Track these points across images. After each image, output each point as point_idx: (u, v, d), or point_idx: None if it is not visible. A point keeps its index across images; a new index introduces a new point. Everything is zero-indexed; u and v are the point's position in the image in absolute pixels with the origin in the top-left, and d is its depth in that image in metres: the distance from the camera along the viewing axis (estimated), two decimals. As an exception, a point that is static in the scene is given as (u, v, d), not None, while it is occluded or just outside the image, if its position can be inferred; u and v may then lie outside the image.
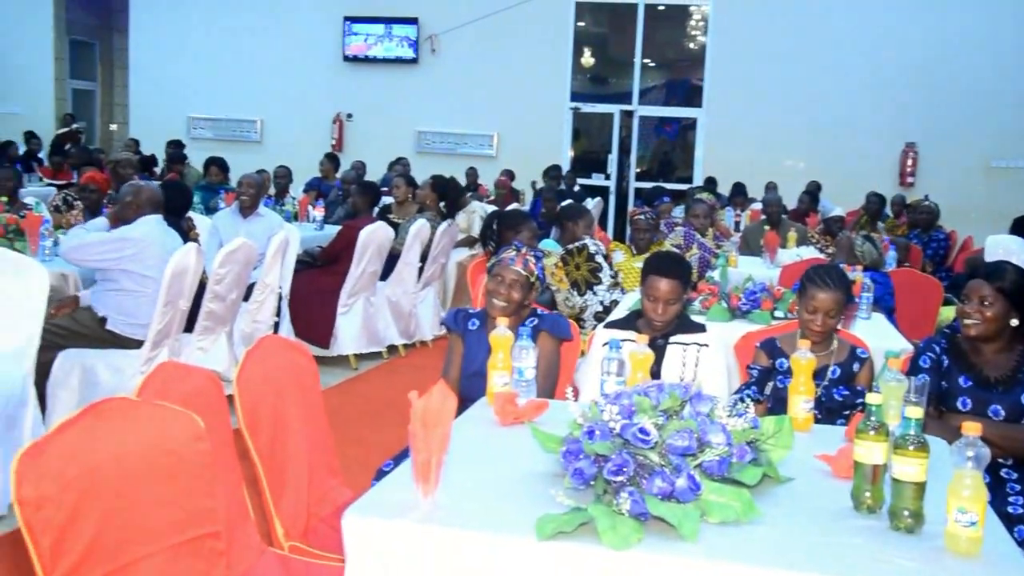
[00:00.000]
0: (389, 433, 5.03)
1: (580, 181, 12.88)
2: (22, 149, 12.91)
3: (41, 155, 12.93)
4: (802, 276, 3.33)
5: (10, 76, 15.80)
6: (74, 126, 14.65)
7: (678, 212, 8.81)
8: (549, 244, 5.39)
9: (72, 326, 4.56)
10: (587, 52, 14.19)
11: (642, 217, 5.78)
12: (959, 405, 3.03)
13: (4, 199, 6.32)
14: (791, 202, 10.10)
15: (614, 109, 13.92)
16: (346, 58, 14.44)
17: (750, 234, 7.97)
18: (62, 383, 4.43)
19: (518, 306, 3.28)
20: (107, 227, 5.60)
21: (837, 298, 3.20)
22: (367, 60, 14.41)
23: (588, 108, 13.99)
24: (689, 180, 13.40)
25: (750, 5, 13.18)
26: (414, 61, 14.19)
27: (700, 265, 5.99)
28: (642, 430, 2.00)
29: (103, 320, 4.59)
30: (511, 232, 4.90)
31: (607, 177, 13.94)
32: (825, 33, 12.96)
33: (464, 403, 2.91)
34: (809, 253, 6.98)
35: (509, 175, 11.82)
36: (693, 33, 13.91)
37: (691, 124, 13.86)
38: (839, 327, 3.35)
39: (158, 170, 11.71)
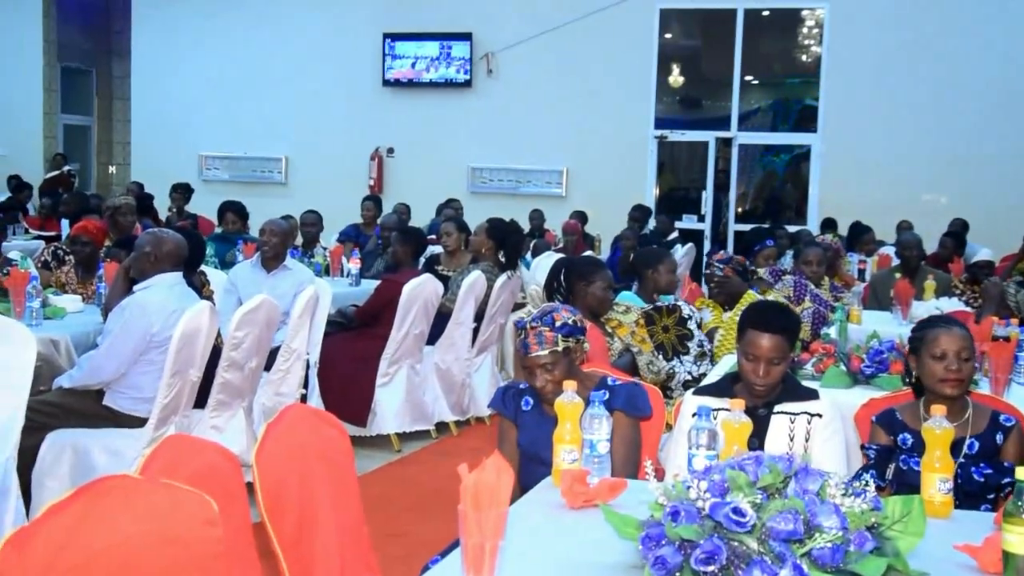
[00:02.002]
0: (437, 526, 5.05)
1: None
2: (4, 196, 13.37)
3: (30, 205, 13.38)
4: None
5: (-5, 112, 16.46)
6: (66, 168, 15.15)
7: (787, 259, 8.79)
8: (628, 297, 5.43)
9: (63, 401, 4.70)
10: (675, 69, 14.33)
11: (711, 270, 5.84)
12: None
13: (-15, 254, 6.57)
14: (930, 245, 10.01)
15: (709, 137, 14.00)
16: (386, 82, 14.78)
17: (878, 283, 7.92)
18: (50, 470, 4.55)
19: (570, 375, 3.30)
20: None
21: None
22: (411, 84, 14.72)
23: (677, 136, 14.08)
24: (802, 220, 13.37)
25: (876, 8, 13.21)
26: (467, 84, 14.46)
27: (814, 320, 5.97)
28: (737, 510, 2.02)
29: (100, 394, 4.74)
30: (581, 283, 4.95)
31: (700, 218, 13.96)
32: (970, 42, 12.90)
33: (524, 494, 2.94)
34: (951, 305, 6.90)
35: (580, 218, 11.92)
36: (806, 43, 13.97)
37: (804, 153, 13.85)
38: (973, 389, 3.33)
39: (166, 216, 12.04)
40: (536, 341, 3.31)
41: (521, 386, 3.50)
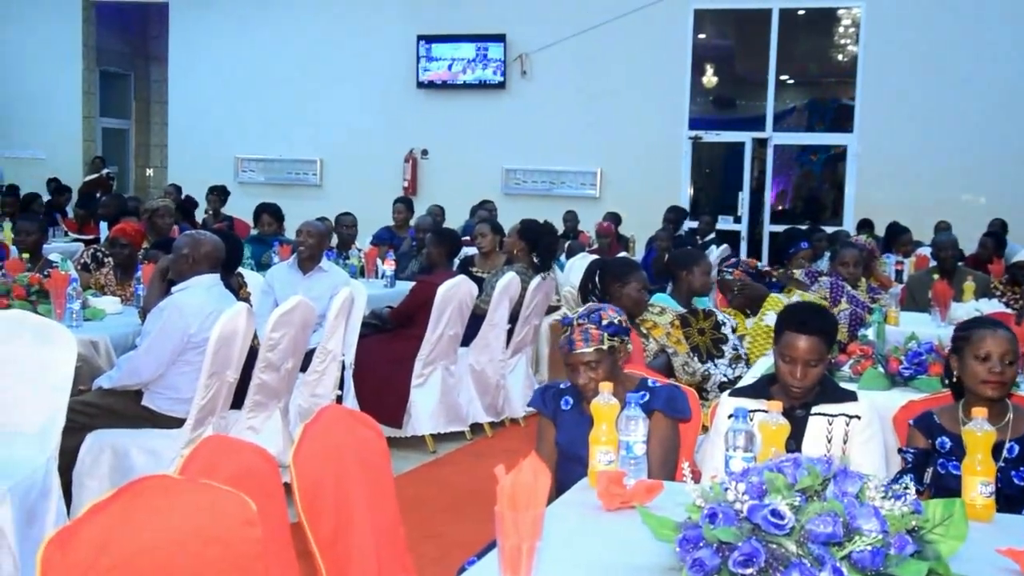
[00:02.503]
0: (472, 528, 5.05)
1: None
2: (45, 198, 13.51)
3: (69, 208, 13.53)
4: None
5: (34, 115, 16.65)
6: (104, 171, 15.32)
7: (824, 261, 8.74)
8: (662, 299, 5.42)
9: (102, 402, 4.76)
10: (709, 69, 14.29)
11: (722, 276, 5.81)
12: None
13: (26, 256, 6.65)
14: (969, 246, 9.92)
15: (744, 137, 13.95)
16: (420, 84, 14.83)
17: (915, 285, 7.86)
18: (90, 470, 4.61)
19: (611, 376, 3.31)
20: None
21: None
22: (445, 86, 14.76)
23: (712, 136, 14.04)
24: (838, 221, 13.29)
25: (913, 6, 13.10)
26: (501, 86, 14.48)
27: (851, 322, 5.93)
28: (775, 512, 2.02)
29: (138, 395, 4.79)
30: (616, 284, 4.95)
31: (736, 220, 13.91)
32: (1009, 39, 12.78)
33: (561, 494, 2.95)
34: (990, 307, 6.83)
35: (614, 219, 11.90)
36: (842, 42, 13.89)
37: (840, 154, 13.77)
38: (1014, 391, 3.30)
39: (202, 218, 12.15)
40: (582, 338, 3.32)
41: (561, 385, 3.52)
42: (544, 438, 3.49)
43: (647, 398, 3.30)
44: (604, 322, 3.36)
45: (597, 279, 5.13)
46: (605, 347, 3.31)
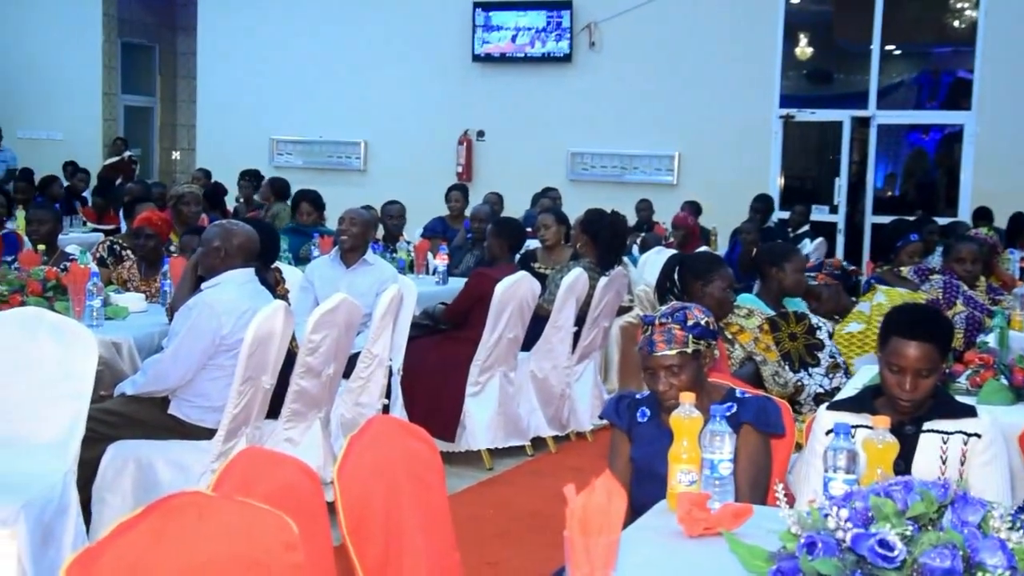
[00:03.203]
0: (533, 555, 5.08)
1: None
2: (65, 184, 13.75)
3: (87, 193, 13.75)
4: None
5: (50, 93, 16.93)
6: (126, 154, 15.57)
7: (936, 257, 8.63)
8: (749, 300, 5.39)
9: (125, 410, 4.81)
10: (803, 39, 14.17)
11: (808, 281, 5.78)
12: None
13: (41, 248, 6.77)
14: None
15: (843, 116, 13.81)
16: (476, 58, 14.86)
17: (1043, 284, 7.75)
18: (112, 485, 4.66)
19: (695, 384, 3.32)
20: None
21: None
22: (504, 59, 14.78)
23: (806, 115, 13.92)
24: (952, 211, 13.12)
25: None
26: (567, 59, 14.47)
27: (968, 327, 5.86)
28: (883, 543, 2.00)
29: (165, 402, 4.85)
30: (698, 283, 4.93)
31: (833, 209, 13.79)
32: None
33: (636, 516, 2.95)
34: None
35: (693, 209, 11.85)
36: (958, 6, 13.69)
37: (955, 134, 13.59)
38: None
39: (232, 206, 12.28)
40: (664, 339, 3.32)
41: (637, 395, 3.52)
42: (618, 453, 3.49)
43: (734, 410, 3.30)
44: (689, 323, 3.35)
45: (676, 277, 5.11)
46: (689, 351, 3.31)
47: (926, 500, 2.13)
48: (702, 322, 3.38)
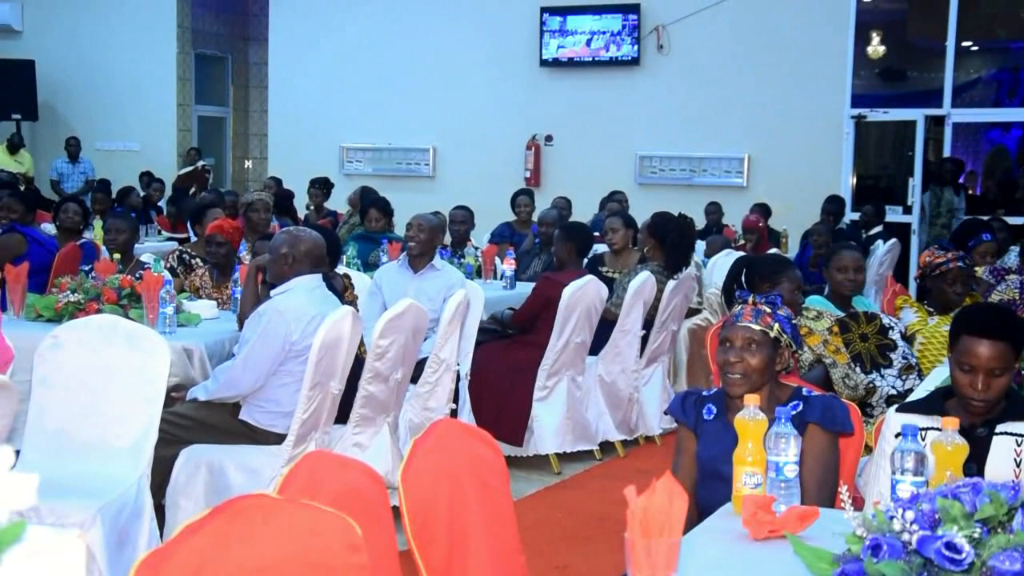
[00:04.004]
0: (602, 559, 5.08)
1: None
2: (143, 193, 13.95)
3: (162, 203, 13.96)
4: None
5: (126, 104, 17.19)
6: (200, 163, 15.77)
7: (1012, 256, 8.49)
8: (819, 302, 5.35)
9: (197, 415, 4.90)
10: (875, 37, 14.00)
11: (956, 264, 5.61)
12: None
13: (117, 257, 6.88)
14: None
15: (917, 115, 13.61)
16: (544, 63, 14.87)
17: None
18: (184, 489, 4.73)
19: (763, 376, 3.32)
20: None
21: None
22: (572, 63, 14.77)
23: (879, 115, 13.75)
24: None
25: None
26: (635, 62, 14.43)
27: (1045, 328, 5.74)
28: (951, 545, 1.98)
29: (236, 407, 4.91)
30: (765, 285, 4.90)
31: (907, 210, 13.61)
32: None
33: (701, 516, 2.94)
34: None
35: (763, 211, 11.76)
36: (1034, 1, 13.49)
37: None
38: None
39: (303, 213, 12.39)
40: (752, 314, 3.39)
41: (704, 393, 3.52)
42: (683, 451, 3.49)
43: (800, 408, 3.30)
44: (781, 313, 3.44)
45: (743, 279, 5.09)
46: (772, 334, 3.37)
47: (995, 502, 2.10)
48: (792, 321, 3.47)
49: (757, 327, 3.35)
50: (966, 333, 3.28)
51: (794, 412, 3.26)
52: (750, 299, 3.46)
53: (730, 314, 3.48)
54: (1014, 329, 3.33)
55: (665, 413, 5.22)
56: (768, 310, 3.40)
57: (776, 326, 3.38)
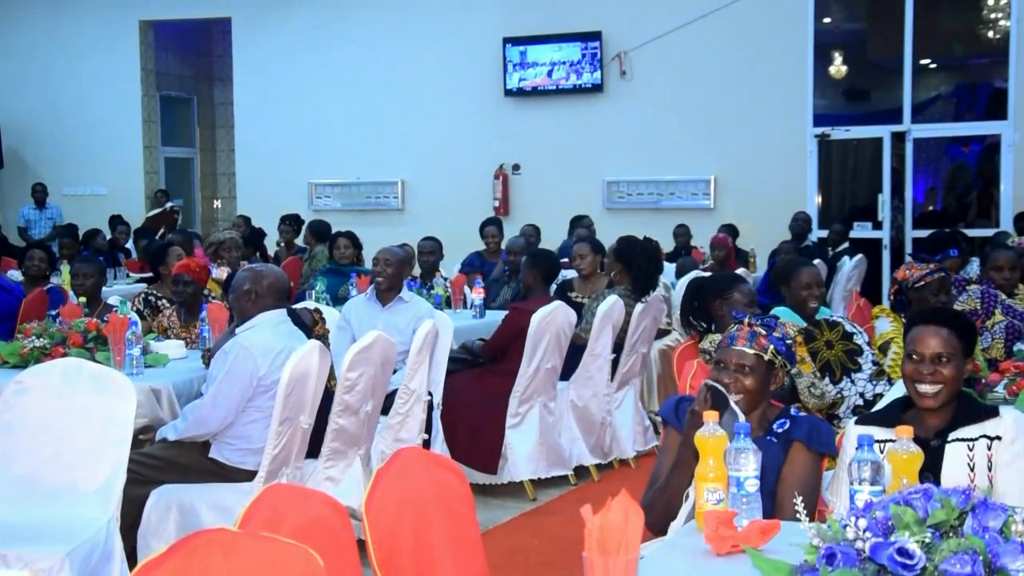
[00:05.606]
0: (578, 585, 5.07)
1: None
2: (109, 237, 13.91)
3: (129, 244, 13.92)
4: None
5: (92, 149, 17.13)
6: (168, 205, 15.75)
7: (973, 267, 8.56)
8: (784, 312, 5.39)
9: (166, 455, 4.87)
10: (836, 57, 14.13)
11: (940, 274, 5.66)
12: None
13: (83, 300, 6.85)
14: None
15: (881, 131, 13.72)
16: (508, 92, 14.93)
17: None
18: (156, 530, 4.69)
19: (757, 398, 3.35)
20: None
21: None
22: (536, 92, 14.84)
23: (841, 133, 13.86)
24: (988, 221, 13.02)
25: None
26: (598, 89, 14.51)
27: (1007, 335, 5.80)
28: (903, 551, 2.00)
29: (205, 446, 4.90)
30: (716, 300, 4.95)
31: (876, 225, 13.69)
32: None
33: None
34: None
35: (730, 231, 11.82)
36: (991, 17, 13.59)
37: (995, 145, 13.48)
38: None
39: (273, 250, 12.38)
40: (747, 337, 3.40)
41: None
42: (668, 452, 3.49)
43: (787, 426, 3.36)
44: (776, 334, 3.44)
45: (696, 298, 5.15)
46: (766, 358, 3.38)
47: (946, 507, 2.12)
48: (788, 342, 3.46)
49: (751, 351, 3.37)
50: (916, 325, 3.37)
51: (780, 430, 3.33)
52: (746, 320, 3.47)
53: (725, 335, 3.49)
54: (961, 320, 3.41)
55: (657, 415, 5.24)
56: (763, 332, 3.42)
57: (771, 348, 3.40)
